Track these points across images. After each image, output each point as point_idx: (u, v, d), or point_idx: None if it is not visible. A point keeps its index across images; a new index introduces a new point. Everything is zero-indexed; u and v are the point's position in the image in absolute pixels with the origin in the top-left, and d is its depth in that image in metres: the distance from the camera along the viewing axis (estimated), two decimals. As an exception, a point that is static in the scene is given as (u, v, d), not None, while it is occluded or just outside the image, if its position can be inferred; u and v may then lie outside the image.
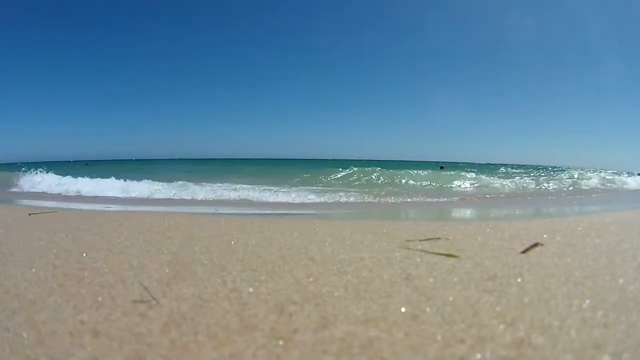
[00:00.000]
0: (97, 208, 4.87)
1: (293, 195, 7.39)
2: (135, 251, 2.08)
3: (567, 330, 1.05)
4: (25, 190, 8.64)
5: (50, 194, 7.98)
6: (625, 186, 11.95)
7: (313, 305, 1.26)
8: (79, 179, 9.22)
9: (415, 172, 12.97)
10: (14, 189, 8.83)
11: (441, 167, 23.88)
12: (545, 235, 2.41)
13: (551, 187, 10.94)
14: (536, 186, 11.02)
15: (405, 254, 1.95)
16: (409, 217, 4.77)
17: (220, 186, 8.78)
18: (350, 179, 12.46)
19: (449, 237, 2.37)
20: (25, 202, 6.19)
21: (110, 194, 7.68)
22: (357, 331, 1.06)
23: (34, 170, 9.47)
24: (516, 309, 1.20)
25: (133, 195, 7.67)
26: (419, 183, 11.54)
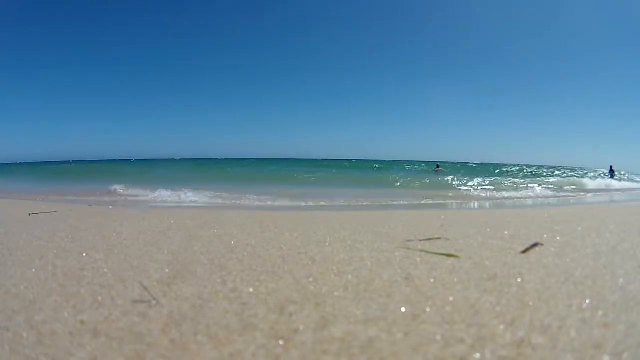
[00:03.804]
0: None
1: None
2: (135, 251, 2.08)
3: (567, 330, 1.05)
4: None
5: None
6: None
7: (313, 305, 1.26)
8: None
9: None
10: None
11: (437, 167, 23.91)
12: (545, 235, 2.41)
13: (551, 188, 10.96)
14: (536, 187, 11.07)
15: (405, 254, 1.95)
16: (409, 217, 4.77)
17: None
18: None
19: (449, 237, 2.37)
20: (24, 202, 6.18)
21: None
22: (357, 331, 1.06)
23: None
24: (516, 309, 1.20)
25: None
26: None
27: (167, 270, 1.68)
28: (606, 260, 1.80)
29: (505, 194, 9.18)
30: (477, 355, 0.92)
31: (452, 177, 13.21)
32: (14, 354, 0.96)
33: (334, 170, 20.24)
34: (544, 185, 11.16)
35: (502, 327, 1.07)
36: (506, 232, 2.54)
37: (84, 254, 2.01)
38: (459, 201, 7.14)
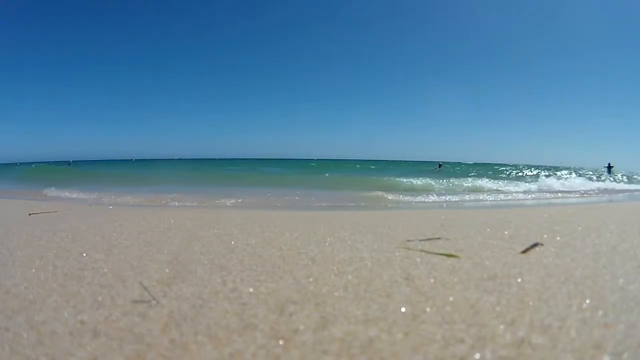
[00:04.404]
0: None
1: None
2: (135, 251, 2.08)
3: (567, 330, 1.05)
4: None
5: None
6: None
7: (313, 305, 1.26)
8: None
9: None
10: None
11: (439, 166, 24.01)
12: (545, 235, 2.41)
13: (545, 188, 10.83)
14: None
15: (405, 254, 1.95)
16: (409, 217, 4.77)
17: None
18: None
19: (449, 237, 2.37)
20: (24, 202, 6.18)
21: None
22: (357, 331, 1.06)
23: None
24: (516, 309, 1.20)
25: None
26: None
27: (167, 270, 1.68)
28: (606, 260, 1.80)
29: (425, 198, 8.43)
30: (477, 355, 0.92)
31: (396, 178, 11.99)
32: (14, 354, 0.96)
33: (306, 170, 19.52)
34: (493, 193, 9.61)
35: (502, 327, 1.07)
36: (506, 232, 2.54)
37: (84, 254, 2.01)
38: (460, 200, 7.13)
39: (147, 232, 2.66)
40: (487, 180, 12.09)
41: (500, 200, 7.58)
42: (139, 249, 2.12)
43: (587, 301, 1.26)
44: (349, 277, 1.56)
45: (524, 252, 1.96)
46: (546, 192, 9.91)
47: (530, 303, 1.25)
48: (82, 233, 2.67)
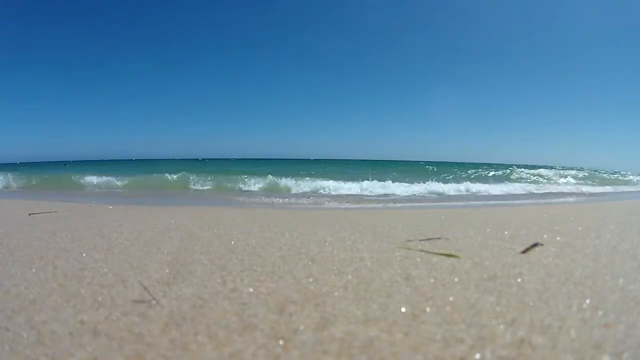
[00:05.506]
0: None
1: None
2: (135, 251, 2.08)
3: (567, 330, 1.05)
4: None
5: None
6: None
7: (313, 305, 1.26)
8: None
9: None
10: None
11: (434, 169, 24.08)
12: (545, 235, 2.41)
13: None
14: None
15: (405, 254, 1.95)
16: (409, 217, 4.76)
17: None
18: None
19: (449, 237, 2.37)
20: (24, 202, 6.18)
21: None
22: (357, 331, 1.06)
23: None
24: (516, 309, 1.20)
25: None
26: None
27: (167, 270, 1.69)
28: (606, 260, 1.80)
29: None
30: (477, 356, 0.92)
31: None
32: (14, 354, 0.96)
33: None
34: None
35: (502, 327, 1.07)
36: (506, 232, 2.55)
37: (84, 254, 2.01)
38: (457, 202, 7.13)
39: (147, 232, 2.66)
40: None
41: (501, 200, 7.57)
42: (139, 249, 2.12)
43: (587, 301, 1.26)
44: (349, 277, 1.56)
45: (524, 252, 1.97)
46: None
47: (530, 303, 1.25)
48: (82, 233, 2.67)
